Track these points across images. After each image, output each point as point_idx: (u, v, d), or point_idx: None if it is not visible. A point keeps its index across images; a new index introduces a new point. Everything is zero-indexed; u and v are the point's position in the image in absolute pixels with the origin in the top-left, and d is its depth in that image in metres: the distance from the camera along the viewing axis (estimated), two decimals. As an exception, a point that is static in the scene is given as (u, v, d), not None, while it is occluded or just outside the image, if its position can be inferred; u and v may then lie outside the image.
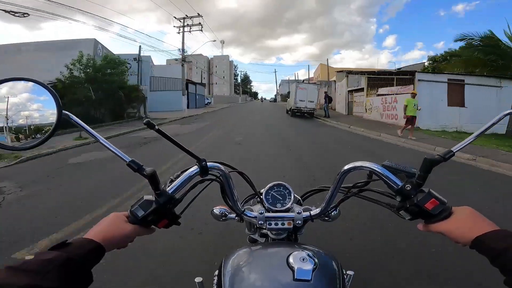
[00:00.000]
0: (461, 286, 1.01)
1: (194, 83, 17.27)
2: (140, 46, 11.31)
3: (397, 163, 0.34)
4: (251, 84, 79.05)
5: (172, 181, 0.36)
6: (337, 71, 12.91)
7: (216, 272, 0.37)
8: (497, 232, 0.26)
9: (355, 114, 9.17)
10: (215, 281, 0.36)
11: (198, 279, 0.42)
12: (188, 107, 13.29)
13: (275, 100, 38.64)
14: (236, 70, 63.46)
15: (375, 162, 0.35)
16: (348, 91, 9.68)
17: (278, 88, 57.60)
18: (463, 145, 0.33)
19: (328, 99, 9.37)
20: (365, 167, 0.35)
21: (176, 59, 13.28)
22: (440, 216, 0.30)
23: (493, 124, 0.33)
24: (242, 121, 8.11)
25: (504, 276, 0.24)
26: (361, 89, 8.80)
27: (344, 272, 0.36)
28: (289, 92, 15.14)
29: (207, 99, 22.65)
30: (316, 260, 0.31)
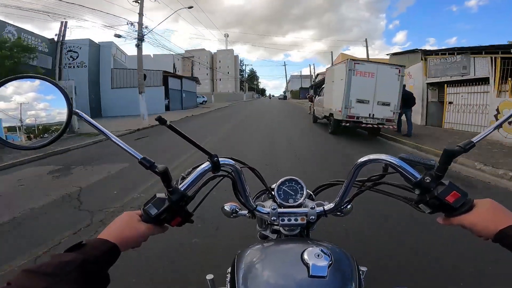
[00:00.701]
0: (473, 282, 1.04)
1: (179, 77, 13.20)
2: (63, 23, 6.97)
3: (414, 155, 0.35)
4: (258, 81, 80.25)
5: (183, 178, 0.37)
6: (392, 54, 7.90)
7: (229, 269, 0.38)
8: None
9: (452, 128, 5.05)
10: (228, 278, 0.37)
11: (209, 276, 0.44)
12: (169, 109, 10.74)
13: (285, 97, 37.41)
14: (242, 66, 64.45)
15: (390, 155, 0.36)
16: (429, 84, 5.59)
17: (287, 84, 57.72)
18: (483, 136, 0.34)
19: (408, 99, 4.41)
20: (381, 159, 0.36)
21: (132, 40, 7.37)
22: (462, 209, 0.31)
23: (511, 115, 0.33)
24: (233, 139, 4.47)
25: None
26: (467, 82, 4.73)
27: (359, 268, 0.36)
28: (313, 87, 18.53)
29: (202, 97, 19.98)
30: (332, 256, 0.32)
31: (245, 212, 0.49)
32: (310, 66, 31.06)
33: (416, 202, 0.34)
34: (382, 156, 0.36)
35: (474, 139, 0.33)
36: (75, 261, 0.25)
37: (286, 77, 42.22)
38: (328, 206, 0.44)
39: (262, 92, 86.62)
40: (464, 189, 0.32)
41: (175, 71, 18.43)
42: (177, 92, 12.87)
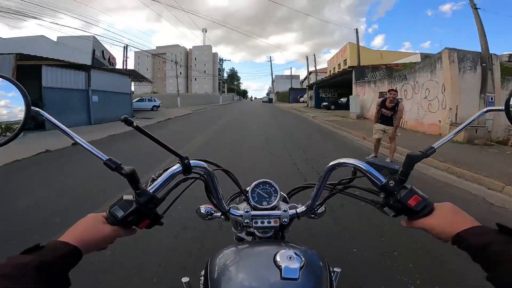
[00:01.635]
0: (452, 283, 1.21)
1: (86, 68, 8.43)
2: None
3: (380, 159, 0.43)
4: (240, 82, 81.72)
5: (153, 180, 0.42)
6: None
7: (203, 272, 0.43)
8: (476, 228, 0.32)
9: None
10: (201, 281, 0.43)
11: (185, 279, 0.49)
12: (41, 126, 5.68)
13: (270, 100, 35.59)
14: (221, 65, 64.89)
15: (359, 159, 0.43)
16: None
17: (272, 83, 59.85)
18: (444, 142, 0.41)
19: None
20: (350, 163, 0.43)
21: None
22: (422, 212, 0.37)
23: (473, 120, 0.42)
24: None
25: (486, 272, 0.29)
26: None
27: (331, 270, 0.43)
28: (314, 87, 18.45)
29: (154, 100, 16.47)
30: (303, 258, 0.37)
31: (219, 214, 0.55)
32: (307, 59, 23.69)
33: (381, 205, 0.41)
34: (351, 161, 0.43)
35: (435, 145, 0.40)
36: (32, 263, 0.27)
37: (272, 75, 40.48)
38: (301, 208, 0.51)
39: (243, 94, 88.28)
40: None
41: (93, 62, 13.24)
42: (75, 94, 7.90)
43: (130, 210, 0.37)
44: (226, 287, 0.37)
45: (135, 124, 0.35)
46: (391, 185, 0.39)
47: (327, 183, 0.48)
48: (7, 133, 0.38)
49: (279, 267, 0.36)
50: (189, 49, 57.54)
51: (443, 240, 0.35)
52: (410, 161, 0.38)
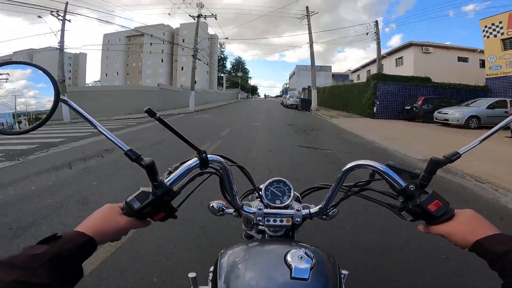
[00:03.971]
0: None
1: None
2: None
3: (400, 163, 0.57)
4: (248, 76, 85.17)
5: (170, 172, 0.59)
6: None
7: (212, 268, 0.60)
8: (497, 235, 0.42)
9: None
10: (210, 277, 0.59)
11: (191, 274, 0.68)
12: None
13: (303, 104, 21.75)
14: (223, 52, 67.25)
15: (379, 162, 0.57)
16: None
17: (291, 77, 60.20)
18: (470, 147, 0.53)
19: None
20: (368, 165, 0.57)
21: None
22: (442, 218, 0.49)
23: (501, 127, 0.53)
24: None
25: (502, 280, 0.39)
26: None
27: (340, 271, 0.57)
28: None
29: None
30: (314, 259, 0.50)
31: (231, 210, 0.74)
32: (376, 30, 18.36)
33: (399, 209, 0.55)
34: (370, 162, 0.57)
35: (461, 150, 0.52)
36: (47, 254, 0.37)
37: (311, 39, 37.31)
38: (314, 209, 0.69)
39: (253, 90, 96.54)
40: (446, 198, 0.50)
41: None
42: None
43: (147, 201, 0.52)
44: (236, 283, 0.51)
45: (157, 115, 0.51)
46: (411, 189, 0.52)
47: (343, 185, 0.65)
48: (35, 122, 0.56)
49: (289, 266, 0.49)
50: (176, 27, 58.87)
51: (461, 247, 0.47)
52: (433, 166, 0.51)
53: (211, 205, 0.77)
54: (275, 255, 0.55)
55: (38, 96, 0.58)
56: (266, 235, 0.75)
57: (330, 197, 0.66)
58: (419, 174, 0.53)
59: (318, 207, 0.69)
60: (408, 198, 0.53)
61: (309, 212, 0.69)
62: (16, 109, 0.56)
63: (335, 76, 52.62)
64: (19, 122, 0.56)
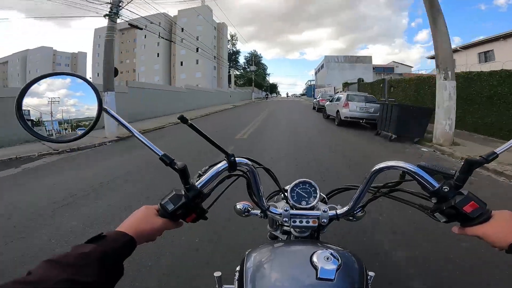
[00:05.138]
0: None
1: None
2: None
3: (433, 164, 0.69)
4: (266, 72, 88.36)
5: (200, 175, 0.78)
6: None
7: (238, 268, 0.78)
8: None
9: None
10: (236, 277, 0.77)
11: (217, 274, 0.88)
12: None
13: (391, 122, 8.94)
14: (234, 44, 67.88)
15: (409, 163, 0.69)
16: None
17: (318, 72, 59.76)
18: (507, 147, 0.65)
19: None
20: (399, 166, 0.71)
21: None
22: (478, 219, 0.61)
23: None
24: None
25: None
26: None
27: (367, 273, 0.70)
28: None
29: None
30: (340, 260, 0.63)
31: (257, 211, 0.94)
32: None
33: (432, 211, 0.67)
34: (400, 164, 0.71)
35: (497, 150, 0.63)
36: (95, 253, 0.50)
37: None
38: (341, 210, 0.87)
39: (272, 88, 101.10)
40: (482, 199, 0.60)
41: None
42: None
43: (180, 203, 0.69)
44: (262, 283, 0.66)
45: (189, 122, 0.68)
46: (445, 190, 0.64)
47: (371, 186, 0.80)
48: (77, 129, 0.75)
49: (315, 267, 0.63)
50: (174, 15, 60.03)
51: (498, 248, 0.59)
52: (468, 166, 0.62)
53: (237, 206, 0.98)
54: (301, 256, 0.70)
55: (77, 104, 0.78)
56: (292, 235, 0.94)
57: (358, 198, 0.82)
58: (454, 174, 0.66)
59: (345, 208, 0.87)
60: (442, 200, 0.65)
61: (336, 213, 0.87)
62: (58, 117, 0.76)
63: (376, 69, 52.01)
64: (65, 129, 0.76)
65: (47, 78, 0.75)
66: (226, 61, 63.48)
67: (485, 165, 0.73)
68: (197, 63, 55.34)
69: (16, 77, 70.33)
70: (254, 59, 73.51)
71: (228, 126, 13.16)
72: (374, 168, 0.75)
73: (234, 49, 71.83)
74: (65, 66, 76.69)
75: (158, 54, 60.98)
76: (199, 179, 0.75)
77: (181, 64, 58.69)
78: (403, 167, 0.71)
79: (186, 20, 57.16)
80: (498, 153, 0.63)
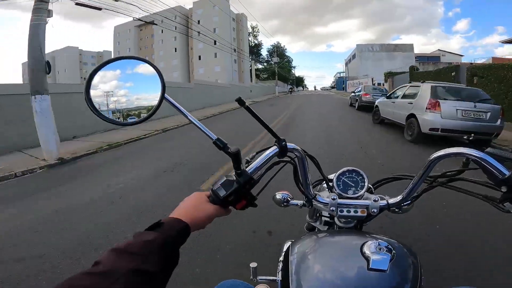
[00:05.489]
0: None
1: None
2: None
3: (502, 151, 0.71)
4: (291, 65, 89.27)
5: (248, 162, 0.83)
6: None
7: (281, 258, 0.84)
8: None
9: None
10: (280, 267, 0.83)
11: (253, 264, 0.95)
12: None
13: None
14: (256, 36, 68.15)
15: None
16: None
17: (349, 63, 58.32)
18: None
19: None
20: (464, 153, 0.72)
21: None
22: None
23: None
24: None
25: None
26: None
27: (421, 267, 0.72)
28: None
29: None
30: (394, 251, 0.67)
31: (297, 201, 1.01)
32: None
33: (501, 201, 0.68)
34: (464, 150, 0.71)
35: None
36: (157, 240, 0.54)
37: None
38: (393, 200, 0.88)
39: (298, 81, 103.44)
40: None
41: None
42: None
43: (232, 189, 0.74)
44: (309, 274, 0.70)
45: (246, 104, 0.75)
46: None
47: (428, 175, 0.81)
48: (128, 119, 0.86)
49: (367, 257, 0.66)
50: (190, 8, 61.97)
51: None
52: None
53: (276, 196, 1.05)
54: (350, 246, 0.74)
55: (127, 94, 0.88)
56: (335, 226, 0.99)
57: (412, 188, 0.84)
58: None
59: (398, 198, 0.88)
60: None
61: (387, 203, 0.89)
62: (111, 107, 0.86)
63: (419, 58, 50.13)
64: (118, 118, 0.86)
65: (110, 64, 0.83)
66: (247, 54, 63.63)
67: None
68: (215, 56, 55.97)
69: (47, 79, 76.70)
70: (277, 50, 73.34)
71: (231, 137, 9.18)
72: (434, 156, 0.76)
73: (256, 42, 71.86)
74: (91, 65, 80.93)
75: (175, 49, 62.72)
76: (248, 165, 0.81)
77: (199, 59, 59.75)
78: (468, 154, 0.71)
79: (202, 11, 58.47)
80: None
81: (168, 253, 0.56)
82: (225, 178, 0.77)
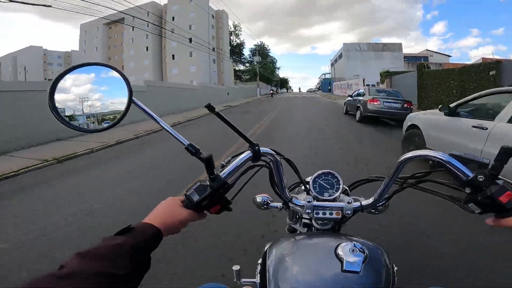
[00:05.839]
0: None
1: None
2: None
3: (466, 153, 0.77)
4: (275, 65, 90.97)
5: (223, 166, 0.91)
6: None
7: (260, 261, 0.91)
8: None
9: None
10: (258, 269, 0.90)
11: (235, 267, 1.01)
12: None
13: None
14: (238, 35, 68.04)
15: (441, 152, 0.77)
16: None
17: (334, 64, 59.15)
18: None
19: None
20: (430, 156, 0.81)
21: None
22: None
23: None
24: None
25: None
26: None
27: (394, 267, 0.81)
28: None
29: None
30: (366, 252, 0.74)
31: (276, 204, 1.11)
32: None
33: (466, 202, 0.76)
34: (431, 153, 0.80)
35: None
36: (127, 245, 0.59)
37: None
38: (366, 201, 0.99)
39: (282, 83, 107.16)
40: None
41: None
42: None
43: (205, 194, 0.81)
44: (285, 275, 0.77)
45: (216, 111, 0.82)
46: (480, 179, 0.73)
47: (398, 177, 0.92)
48: (103, 123, 0.91)
49: (340, 259, 0.73)
50: (164, 4, 61.11)
51: None
52: (504, 155, 0.70)
53: (256, 199, 1.14)
54: (325, 248, 0.82)
55: (102, 98, 0.94)
56: (313, 228, 1.09)
57: (384, 189, 0.94)
58: (489, 163, 0.74)
59: (370, 199, 0.99)
60: (477, 190, 0.74)
61: (361, 204, 0.99)
62: (86, 112, 0.92)
63: (408, 58, 51.87)
64: (93, 123, 0.92)
65: (76, 70, 0.88)
66: (227, 54, 63.60)
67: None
68: (190, 55, 55.38)
69: (8, 80, 73.65)
70: (260, 50, 73.87)
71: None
72: (402, 158, 0.86)
73: (239, 41, 72.18)
74: (57, 66, 79.44)
75: (147, 48, 61.88)
76: (223, 169, 0.88)
77: (173, 58, 59.14)
78: (434, 156, 0.80)
79: (178, 7, 57.84)
80: None
81: (138, 257, 0.61)
82: (199, 183, 0.84)
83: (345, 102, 17.43)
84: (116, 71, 0.90)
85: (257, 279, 0.89)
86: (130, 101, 0.87)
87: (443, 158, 0.79)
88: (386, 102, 12.41)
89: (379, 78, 28.01)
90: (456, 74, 15.14)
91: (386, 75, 25.88)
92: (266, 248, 0.91)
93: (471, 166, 0.77)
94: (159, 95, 18.97)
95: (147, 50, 62.01)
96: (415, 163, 0.88)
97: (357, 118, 13.82)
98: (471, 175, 0.75)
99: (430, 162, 0.85)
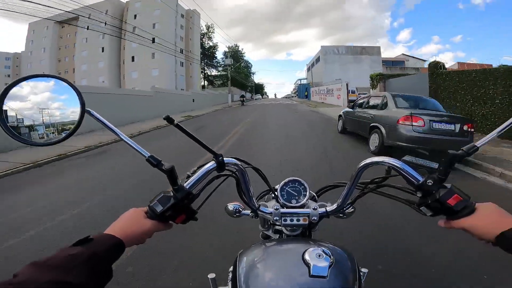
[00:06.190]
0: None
1: None
2: None
3: (417, 158, 0.91)
4: (250, 70, 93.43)
5: (189, 176, 0.99)
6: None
7: (231, 268, 0.99)
8: None
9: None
10: (229, 277, 0.98)
11: (211, 275, 1.12)
12: None
13: None
14: (210, 38, 68.18)
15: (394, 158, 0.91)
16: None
17: (311, 68, 60.10)
18: (487, 140, 0.85)
19: None
20: (385, 162, 0.93)
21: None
22: (463, 212, 0.79)
23: None
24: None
25: None
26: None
27: (360, 269, 0.91)
28: None
29: None
30: (332, 257, 0.83)
31: (248, 212, 1.20)
32: None
33: (418, 205, 0.87)
34: (385, 159, 0.93)
35: (478, 143, 0.81)
36: (83, 255, 0.64)
37: None
38: (331, 207, 1.12)
39: (256, 89, 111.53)
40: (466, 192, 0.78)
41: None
42: None
43: (168, 205, 0.88)
44: (255, 283, 0.84)
45: (175, 122, 0.86)
46: (429, 184, 0.83)
47: (359, 182, 1.04)
48: (62, 133, 0.96)
49: (308, 264, 0.81)
50: (127, 1, 59.57)
51: (485, 241, 0.75)
52: (450, 160, 0.82)
53: (228, 207, 1.23)
54: (293, 254, 0.89)
55: (62, 107, 0.99)
56: (284, 234, 1.19)
57: (346, 195, 1.06)
58: (437, 168, 0.85)
59: (334, 205, 1.11)
60: (427, 193, 0.85)
61: (326, 210, 1.11)
62: (45, 121, 0.96)
63: (385, 62, 53.96)
64: (52, 133, 0.96)
65: (28, 81, 0.94)
66: (197, 56, 63.11)
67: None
68: (153, 57, 53.91)
69: None
70: (233, 52, 74.16)
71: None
72: (360, 164, 0.98)
73: (211, 43, 72.14)
74: (6, 68, 76.46)
75: (103, 48, 59.96)
76: (188, 180, 0.95)
77: (133, 60, 57.52)
78: (388, 163, 0.92)
79: (141, 4, 56.67)
80: (478, 146, 0.83)
81: (96, 267, 0.66)
82: (162, 194, 0.91)
83: (340, 115, 13.14)
84: (67, 83, 0.95)
85: (229, 287, 0.95)
86: (83, 112, 0.92)
87: (396, 164, 0.90)
88: (434, 122, 7.29)
89: (368, 82, 24.19)
90: (498, 77, 11.29)
91: (380, 78, 22.24)
92: (237, 256, 0.98)
93: (422, 171, 0.88)
94: (109, 104, 17.25)
95: (102, 51, 59.95)
96: (377, 167, 0.97)
97: (372, 148, 8.94)
98: (421, 179, 0.86)
99: (386, 167, 0.97)
